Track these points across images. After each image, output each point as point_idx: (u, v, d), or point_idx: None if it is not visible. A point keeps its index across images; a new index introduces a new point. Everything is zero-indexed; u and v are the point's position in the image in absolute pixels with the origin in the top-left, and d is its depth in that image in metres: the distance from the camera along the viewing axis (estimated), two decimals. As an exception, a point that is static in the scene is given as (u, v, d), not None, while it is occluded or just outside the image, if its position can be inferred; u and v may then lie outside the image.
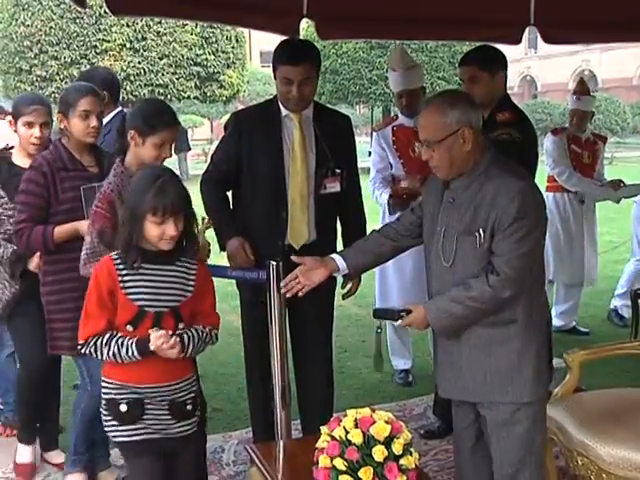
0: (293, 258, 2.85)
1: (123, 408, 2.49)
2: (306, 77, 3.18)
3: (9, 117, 5.81)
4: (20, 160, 3.47)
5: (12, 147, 3.58)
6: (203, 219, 3.02)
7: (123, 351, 2.43)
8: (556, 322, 5.54)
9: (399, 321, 2.60)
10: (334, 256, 2.84)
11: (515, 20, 4.47)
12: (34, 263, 3.34)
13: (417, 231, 2.75)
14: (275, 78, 3.27)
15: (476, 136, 2.47)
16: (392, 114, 5.18)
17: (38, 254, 3.29)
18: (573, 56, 40.49)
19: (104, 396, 2.55)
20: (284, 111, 3.30)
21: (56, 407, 3.75)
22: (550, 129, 5.94)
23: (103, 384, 2.56)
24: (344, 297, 3.30)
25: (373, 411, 2.25)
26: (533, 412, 2.55)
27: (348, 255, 2.85)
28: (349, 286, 3.25)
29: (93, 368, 3.14)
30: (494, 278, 2.41)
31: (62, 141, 3.24)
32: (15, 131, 3.48)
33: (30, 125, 3.41)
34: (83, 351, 2.50)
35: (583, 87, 5.68)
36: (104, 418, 2.56)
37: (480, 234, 2.43)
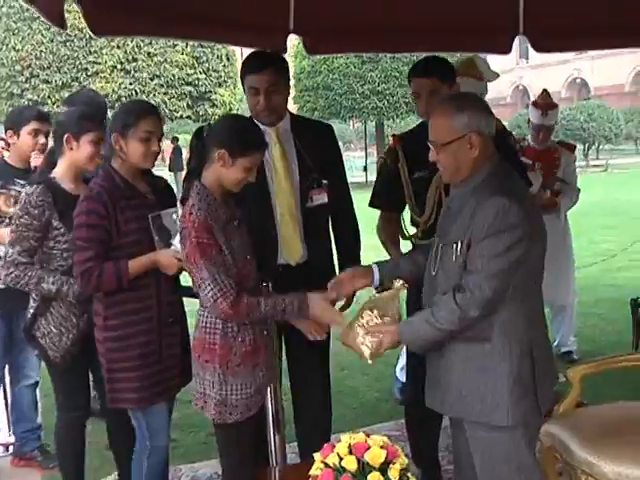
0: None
1: None
2: (272, 85, 3.10)
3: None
4: (69, 186, 3.13)
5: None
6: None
7: None
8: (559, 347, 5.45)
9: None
10: (373, 266, 2.75)
11: (504, 29, 4.43)
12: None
13: None
14: (245, 92, 3.21)
15: (485, 143, 2.40)
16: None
17: None
18: (565, 65, 40.67)
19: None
20: (260, 127, 3.23)
21: None
22: None
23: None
24: (341, 310, 3.20)
25: (368, 435, 2.17)
26: (515, 435, 2.43)
27: (383, 267, 2.74)
28: (342, 302, 3.17)
29: (154, 421, 2.94)
30: (461, 297, 2.31)
31: (113, 166, 2.92)
32: (70, 149, 3.10)
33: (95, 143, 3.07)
34: None
35: (548, 100, 5.36)
36: None
37: (457, 246, 2.36)
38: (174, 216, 2.96)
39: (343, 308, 3.18)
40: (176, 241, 2.84)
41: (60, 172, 3.15)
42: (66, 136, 3.08)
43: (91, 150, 3.08)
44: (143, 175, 2.98)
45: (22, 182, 3.57)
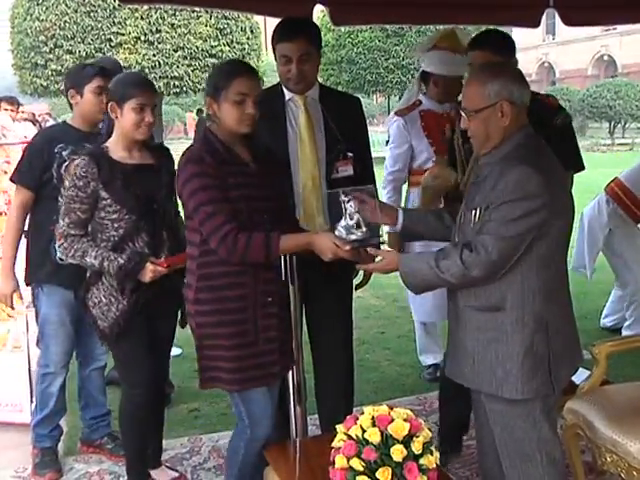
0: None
1: None
2: (304, 53, 3.06)
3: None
4: (119, 155, 3.03)
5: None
6: None
7: None
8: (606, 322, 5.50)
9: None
10: (398, 209, 2.74)
11: (534, 2, 4.36)
12: (149, 273, 2.94)
13: None
14: (276, 60, 3.16)
15: (517, 112, 2.37)
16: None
17: (150, 264, 2.93)
18: (592, 41, 40.01)
19: None
20: (288, 94, 3.19)
21: (160, 427, 3.40)
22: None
23: None
24: (357, 288, 3.20)
25: (391, 408, 2.17)
26: (531, 409, 2.42)
27: (408, 214, 2.74)
28: (361, 276, 3.16)
29: (254, 407, 2.73)
30: (467, 254, 2.32)
31: (212, 130, 2.70)
32: (116, 118, 3.02)
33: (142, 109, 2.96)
34: None
35: None
36: None
37: (476, 212, 2.37)
38: (343, 197, 2.62)
39: (360, 285, 3.17)
40: (341, 225, 2.58)
41: (112, 141, 3.07)
42: (110, 104, 3.00)
43: (134, 117, 2.96)
44: (244, 140, 2.73)
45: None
